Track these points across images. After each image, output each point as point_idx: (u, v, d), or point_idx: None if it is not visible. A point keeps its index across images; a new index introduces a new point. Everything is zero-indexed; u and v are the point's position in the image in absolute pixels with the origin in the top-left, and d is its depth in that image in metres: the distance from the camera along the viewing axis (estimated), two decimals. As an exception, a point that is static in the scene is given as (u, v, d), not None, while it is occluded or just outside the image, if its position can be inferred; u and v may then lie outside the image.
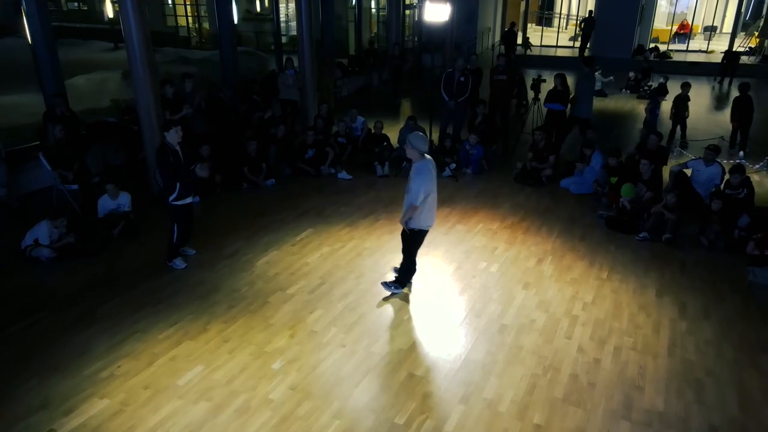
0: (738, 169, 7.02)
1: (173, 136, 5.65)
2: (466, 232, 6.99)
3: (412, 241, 5.41)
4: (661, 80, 12.85)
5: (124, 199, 6.82)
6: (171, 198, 5.76)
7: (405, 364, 4.50)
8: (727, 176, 7.23)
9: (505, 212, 7.63)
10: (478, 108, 9.73)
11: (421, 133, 5.26)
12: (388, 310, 5.27)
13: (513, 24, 20.16)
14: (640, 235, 6.77)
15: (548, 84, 10.02)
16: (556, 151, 8.95)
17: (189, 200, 5.92)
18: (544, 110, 9.86)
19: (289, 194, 8.26)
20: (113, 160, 9.50)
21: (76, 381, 4.27)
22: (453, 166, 9.03)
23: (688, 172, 7.77)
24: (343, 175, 8.99)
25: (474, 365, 4.48)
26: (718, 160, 7.66)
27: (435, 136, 10.10)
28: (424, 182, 5.04)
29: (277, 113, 11.66)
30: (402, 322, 5.07)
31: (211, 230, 6.99)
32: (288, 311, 5.23)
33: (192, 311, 5.22)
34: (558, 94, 9.46)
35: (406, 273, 5.53)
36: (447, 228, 7.09)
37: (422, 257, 6.20)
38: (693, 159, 7.96)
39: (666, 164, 8.34)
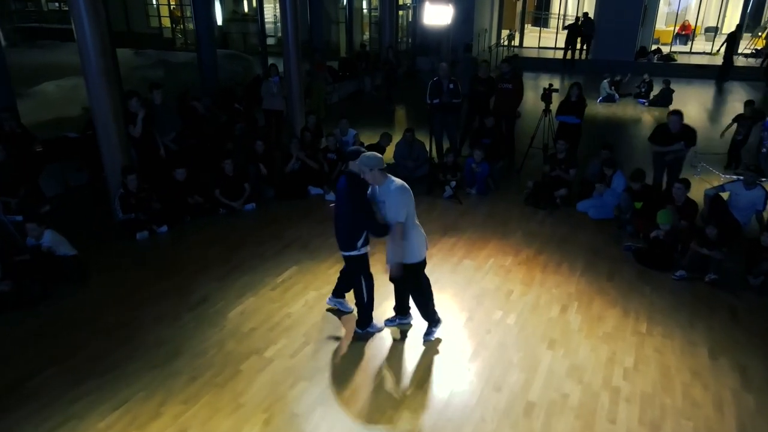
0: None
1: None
2: (476, 269, 6.02)
3: (415, 277, 4.50)
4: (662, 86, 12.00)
5: (47, 238, 5.68)
6: None
7: (410, 464, 3.54)
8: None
9: (518, 243, 6.67)
10: (487, 120, 8.76)
11: (371, 153, 4.35)
12: (387, 381, 4.29)
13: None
14: (677, 274, 5.84)
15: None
16: (577, 164, 8.00)
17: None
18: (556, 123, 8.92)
19: (271, 221, 7.26)
20: (75, 180, 8.47)
21: (-19, 499, 3.28)
22: (453, 184, 8.07)
23: (725, 195, 6.85)
24: (332, 197, 7.98)
25: (498, 467, 3.52)
26: (761, 182, 6.76)
27: (434, 150, 9.14)
28: (403, 199, 4.23)
29: (261, 124, 10.66)
30: (405, 400, 4.09)
31: (178, 269, 5.98)
32: (264, 384, 4.23)
33: (145, 385, 4.21)
34: (572, 105, 8.54)
35: (426, 310, 4.68)
36: (453, 264, 6.12)
37: (426, 307, 5.23)
38: (731, 181, 7.06)
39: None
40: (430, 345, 4.70)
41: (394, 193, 4.26)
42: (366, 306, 4.78)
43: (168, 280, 5.72)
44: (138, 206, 6.71)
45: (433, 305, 4.73)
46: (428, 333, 4.76)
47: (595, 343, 4.78)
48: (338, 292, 5.21)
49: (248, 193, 7.62)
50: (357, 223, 4.47)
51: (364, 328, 4.85)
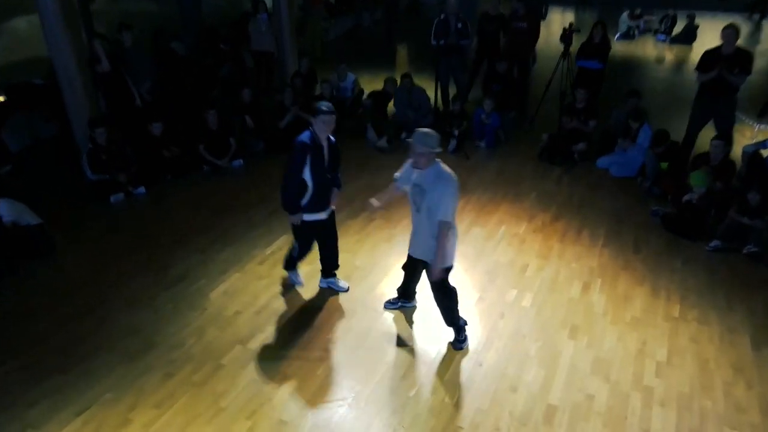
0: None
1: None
2: (486, 239, 5.42)
3: (445, 280, 3.85)
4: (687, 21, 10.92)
5: (3, 210, 4.99)
6: None
7: (415, 486, 3.07)
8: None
9: (532, 206, 6.04)
10: (498, 64, 7.89)
11: (430, 130, 3.61)
12: (386, 379, 3.78)
13: None
14: (711, 245, 5.24)
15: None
16: (598, 115, 7.20)
17: None
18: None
19: (260, 180, 6.59)
20: (44, 132, 7.73)
21: None
22: (456, 133, 7.29)
23: (766, 153, 6.14)
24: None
25: (516, 490, 3.05)
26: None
27: (439, 99, 8.33)
28: (453, 193, 3.53)
29: (250, 65, 9.75)
30: (408, 403, 3.59)
31: (155, 237, 5.39)
32: (248, 384, 3.72)
33: (113, 385, 3.71)
34: (595, 48, 7.64)
35: (453, 315, 3.99)
36: (462, 232, 5.48)
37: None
38: None
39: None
40: (438, 336, 4.16)
41: (444, 184, 3.50)
42: (295, 257, 4.52)
43: (144, 253, 5.13)
44: (110, 164, 6.03)
45: (458, 309, 4.05)
46: (460, 341, 4.02)
47: (622, 330, 4.24)
48: (326, 271, 4.63)
49: (234, 148, 6.90)
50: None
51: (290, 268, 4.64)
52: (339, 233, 4.59)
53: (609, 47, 7.77)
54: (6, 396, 3.61)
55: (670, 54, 12.24)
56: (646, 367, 3.88)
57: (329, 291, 4.64)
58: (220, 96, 8.10)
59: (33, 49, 10.28)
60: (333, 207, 4.37)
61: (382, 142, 7.55)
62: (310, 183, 4.06)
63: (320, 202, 4.19)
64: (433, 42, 7.90)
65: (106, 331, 4.20)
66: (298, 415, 3.49)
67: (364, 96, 8.47)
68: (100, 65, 6.26)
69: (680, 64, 12.30)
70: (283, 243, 5.31)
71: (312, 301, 4.54)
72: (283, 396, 3.62)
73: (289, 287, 4.70)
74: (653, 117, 7.37)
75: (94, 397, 3.61)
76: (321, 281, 4.67)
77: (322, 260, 4.56)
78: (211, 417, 3.48)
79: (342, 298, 4.58)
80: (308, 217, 4.20)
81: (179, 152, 6.63)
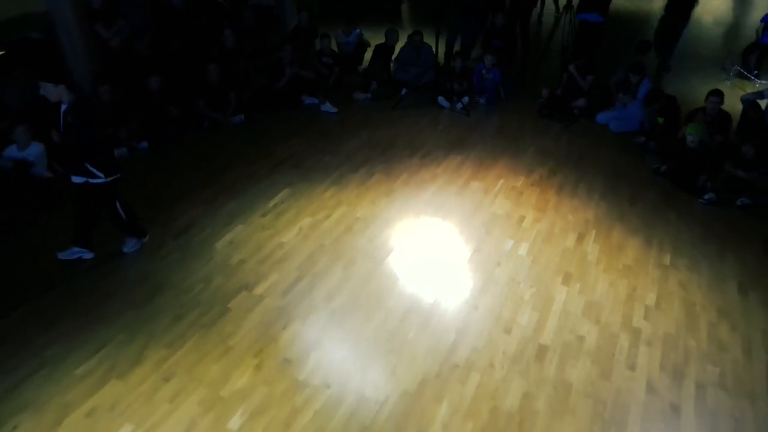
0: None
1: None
2: (485, 192, 5.52)
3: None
4: None
5: (34, 150, 5.15)
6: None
7: (413, 416, 3.26)
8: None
9: (531, 161, 6.11)
10: (496, 18, 7.82)
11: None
12: (388, 323, 3.95)
13: None
14: (706, 197, 5.34)
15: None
16: (595, 70, 7.19)
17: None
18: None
19: (261, 136, 6.65)
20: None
21: (-52, 457, 3.03)
22: (466, 100, 7.34)
23: (764, 104, 6.16)
24: (328, 107, 7.29)
25: (507, 420, 3.24)
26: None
27: (441, 54, 8.27)
28: None
29: (249, 23, 9.61)
30: (406, 344, 3.77)
31: (159, 191, 5.49)
32: (254, 325, 3.90)
33: (125, 326, 3.88)
34: (595, 1, 7.55)
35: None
36: (460, 186, 5.61)
37: (432, 233, 4.81)
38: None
39: None
40: (435, 280, 4.32)
41: None
42: (128, 221, 4.53)
43: (150, 205, 5.23)
44: (112, 120, 6.07)
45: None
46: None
47: (614, 277, 4.39)
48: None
49: (235, 103, 6.92)
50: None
51: (142, 235, 4.66)
52: (339, 187, 4.65)
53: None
54: (21, 337, 3.79)
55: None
56: (635, 311, 4.05)
57: (331, 242, 4.77)
58: (217, 56, 8.03)
59: (29, 3, 10.18)
60: None
61: (369, 93, 7.58)
62: None
63: None
64: None
65: (116, 278, 4.36)
66: (302, 354, 3.67)
67: (368, 51, 8.39)
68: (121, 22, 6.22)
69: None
70: (286, 196, 5.42)
71: (314, 251, 4.67)
72: (288, 337, 3.80)
73: (294, 238, 4.82)
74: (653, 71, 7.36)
75: (107, 337, 3.79)
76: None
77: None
78: (219, 355, 3.66)
79: (344, 244, 4.71)
80: None
81: (178, 111, 6.64)
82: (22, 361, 3.60)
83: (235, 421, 3.22)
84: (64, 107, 4.04)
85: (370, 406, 3.31)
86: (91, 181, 4.19)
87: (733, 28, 11.00)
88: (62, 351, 3.67)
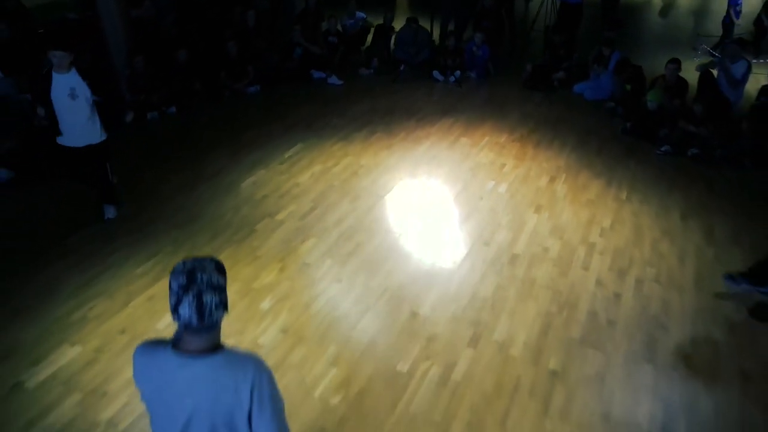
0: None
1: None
2: (472, 146, 6.35)
3: None
4: None
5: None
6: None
7: (407, 301, 4.09)
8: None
9: (514, 123, 6.95)
10: (485, 1, 8.64)
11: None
12: (388, 238, 4.79)
13: None
14: (662, 149, 6.17)
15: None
16: (574, 50, 8.04)
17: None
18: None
19: (275, 103, 7.48)
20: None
21: (44, 325, 3.85)
22: (458, 74, 8.17)
23: (716, 72, 7.00)
24: (334, 80, 8.14)
25: (483, 303, 4.08)
26: (745, 57, 6.85)
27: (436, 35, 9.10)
28: None
29: (263, 6, 10.44)
30: (403, 253, 4.61)
31: (190, 146, 6.32)
32: (277, 241, 4.74)
33: (171, 241, 4.72)
34: (574, -17, 8.38)
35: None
36: (450, 142, 6.44)
37: (425, 177, 5.65)
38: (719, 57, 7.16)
39: None
40: (427, 210, 5.15)
41: None
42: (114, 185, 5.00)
43: (181, 157, 6.06)
44: (145, 87, 6.91)
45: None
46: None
47: (577, 207, 5.23)
48: None
49: (252, 75, 7.75)
50: None
51: (120, 204, 5.07)
52: (346, 142, 5.42)
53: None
54: (84, 250, 4.59)
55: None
56: (592, 231, 4.89)
57: (339, 183, 5.60)
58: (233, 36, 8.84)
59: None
60: None
61: (370, 69, 8.43)
62: None
63: None
64: None
65: (157, 211, 5.18)
66: (318, 260, 4.51)
67: (370, 33, 9.20)
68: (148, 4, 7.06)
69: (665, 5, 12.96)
70: (299, 149, 6.25)
71: (325, 189, 5.50)
72: (306, 248, 4.64)
73: (307, 180, 5.65)
74: (624, 46, 8.16)
75: (157, 249, 4.62)
76: None
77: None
78: (250, 261, 4.50)
79: (350, 184, 5.54)
80: None
81: (202, 87, 7.45)
82: (93, 264, 4.43)
83: (265, 304, 4.06)
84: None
85: (373, 293, 4.15)
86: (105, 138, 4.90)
87: (704, 14, 11.84)
88: (123, 258, 4.51)
